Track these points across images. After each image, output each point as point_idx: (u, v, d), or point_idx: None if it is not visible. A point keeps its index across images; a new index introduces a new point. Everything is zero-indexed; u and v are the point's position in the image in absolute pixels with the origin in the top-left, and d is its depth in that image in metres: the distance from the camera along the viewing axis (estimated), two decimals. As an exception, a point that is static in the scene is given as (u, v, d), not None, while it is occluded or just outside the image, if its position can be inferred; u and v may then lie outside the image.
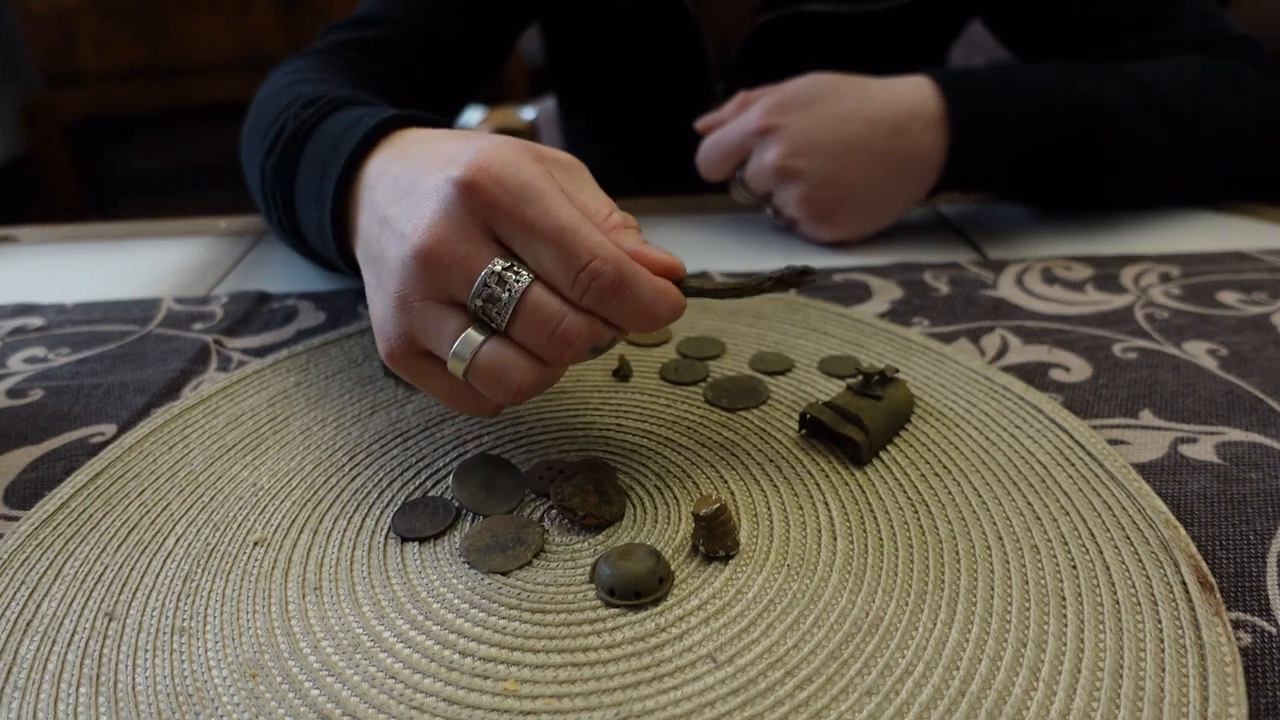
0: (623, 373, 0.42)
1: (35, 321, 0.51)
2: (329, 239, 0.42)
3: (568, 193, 0.32)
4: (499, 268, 0.31)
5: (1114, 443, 0.37)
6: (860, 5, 0.67)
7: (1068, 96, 0.56)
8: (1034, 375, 0.42)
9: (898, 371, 0.39)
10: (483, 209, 0.31)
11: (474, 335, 0.31)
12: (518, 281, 0.31)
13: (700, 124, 0.60)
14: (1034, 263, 0.54)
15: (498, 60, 0.73)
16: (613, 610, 0.29)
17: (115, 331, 0.49)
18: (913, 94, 0.56)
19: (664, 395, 0.41)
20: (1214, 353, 0.43)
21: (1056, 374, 0.42)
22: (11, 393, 0.43)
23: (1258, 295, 0.49)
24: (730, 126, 0.58)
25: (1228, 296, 0.49)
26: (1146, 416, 0.38)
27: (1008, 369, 0.42)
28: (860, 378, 0.37)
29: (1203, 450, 0.36)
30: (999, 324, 0.47)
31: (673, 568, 0.30)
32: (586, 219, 0.31)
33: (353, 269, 0.41)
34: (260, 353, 0.46)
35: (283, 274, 0.57)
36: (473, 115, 2.54)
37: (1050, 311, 0.48)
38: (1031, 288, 0.51)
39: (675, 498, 0.34)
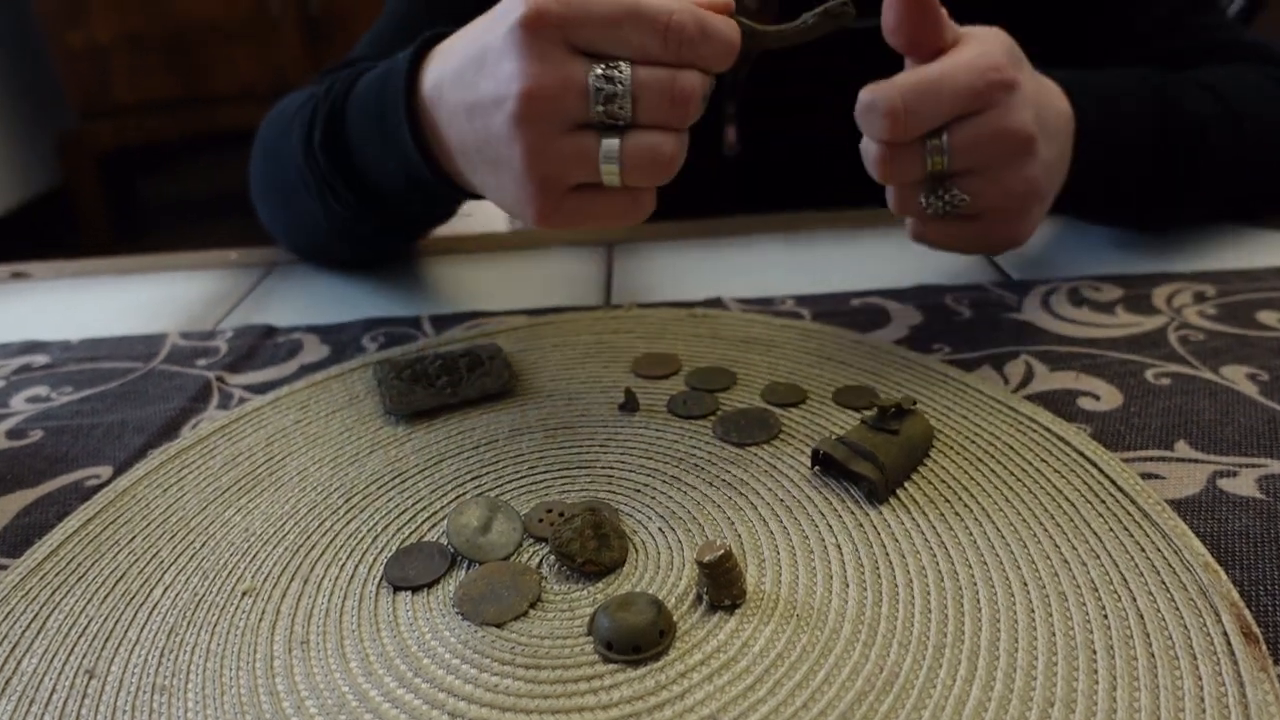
0: (630, 406, 0.41)
1: (40, 359, 0.50)
2: (419, 168, 0.43)
3: None
4: (600, 70, 0.34)
5: (1147, 477, 0.34)
6: (871, 20, 0.65)
7: (1174, 108, 0.52)
8: (1061, 404, 0.40)
9: (915, 403, 0.37)
10: (557, 30, 0.34)
11: (610, 142, 0.35)
12: (621, 73, 0.34)
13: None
14: (1060, 283, 0.51)
15: None
16: (610, 666, 0.27)
17: (119, 369, 0.49)
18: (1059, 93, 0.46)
19: (672, 430, 0.39)
20: (1254, 377, 0.41)
21: (1085, 402, 0.40)
22: (11, 433, 0.43)
23: (1299, 314, 0.47)
24: (949, 70, 0.39)
25: (1268, 316, 0.46)
26: (1182, 448, 0.36)
27: (1033, 398, 0.40)
28: (875, 411, 0.35)
29: (1244, 485, 0.34)
30: (1023, 349, 0.45)
31: (675, 618, 0.28)
32: None
33: (456, 190, 0.45)
34: (262, 389, 0.45)
35: (290, 306, 0.56)
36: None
37: (1078, 335, 0.46)
38: (1058, 310, 0.48)
39: (680, 541, 0.32)
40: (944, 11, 0.41)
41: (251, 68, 2.77)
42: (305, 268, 0.63)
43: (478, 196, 0.45)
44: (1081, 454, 0.35)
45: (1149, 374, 0.42)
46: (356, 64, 0.66)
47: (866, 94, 0.39)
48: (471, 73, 0.37)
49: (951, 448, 0.37)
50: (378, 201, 0.50)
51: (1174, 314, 0.47)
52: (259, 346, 0.50)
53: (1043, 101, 0.43)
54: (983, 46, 0.41)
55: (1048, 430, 0.37)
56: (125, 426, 0.43)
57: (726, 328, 0.48)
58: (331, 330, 0.51)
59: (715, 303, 0.52)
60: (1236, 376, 0.41)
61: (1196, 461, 0.35)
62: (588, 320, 0.50)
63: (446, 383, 0.43)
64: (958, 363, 0.44)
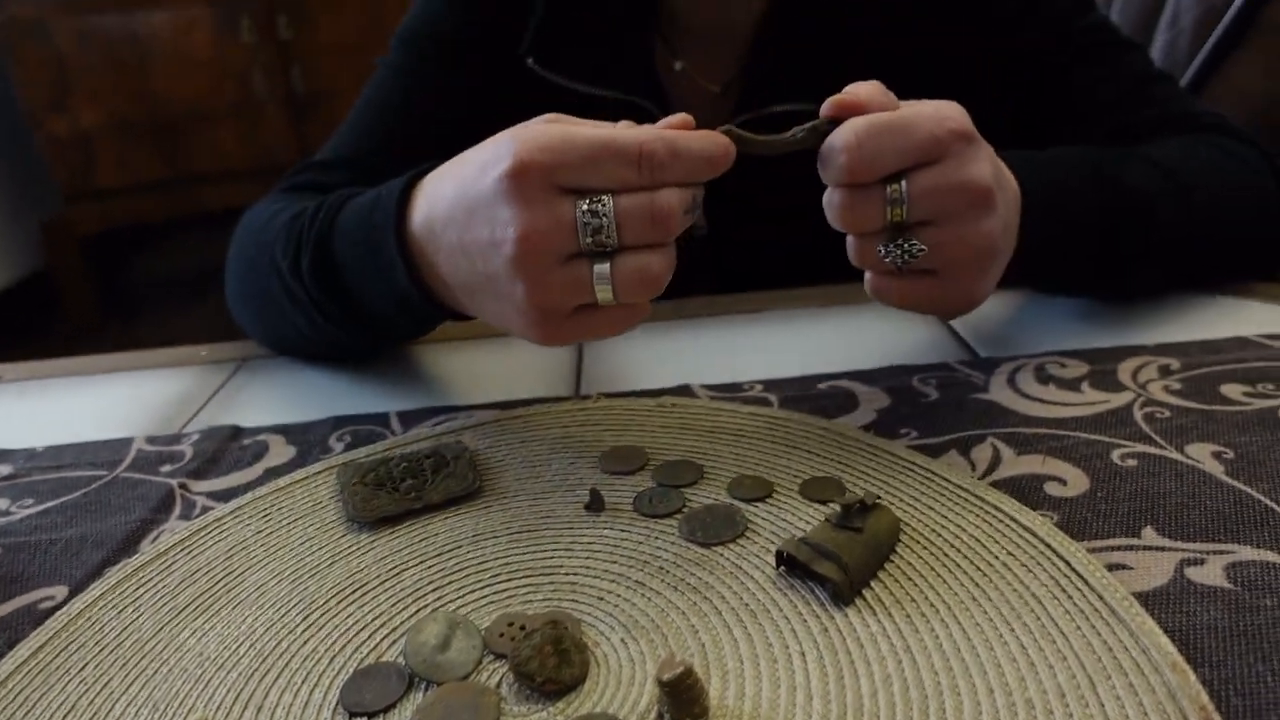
0: (596, 505, 0.40)
1: (4, 469, 0.50)
2: (412, 299, 0.47)
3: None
4: (585, 206, 0.38)
5: (1115, 568, 0.34)
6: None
7: (1115, 185, 0.53)
8: (1028, 491, 0.39)
9: (879, 498, 0.37)
10: (542, 177, 0.38)
11: (601, 267, 0.38)
12: (604, 206, 0.37)
13: (834, 101, 0.41)
14: (1027, 360, 0.52)
15: None
16: (568, 797, 0.26)
17: (82, 477, 0.48)
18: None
19: (638, 529, 0.39)
20: (1220, 455, 0.41)
21: (1052, 488, 0.40)
22: (-32, 553, 0.42)
23: (1264, 386, 0.47)
24: (908, 116, 0.40)
25: (1232, 390, 0.47)
26: (1149, 535, 0.36)
27: (1000, 484, 0.40)
28: (840, 509, 0.35)
29: (1211, 573, 0.33)
30: (990, 432, 0.44)
31: (635, 741, 0.28)
32: (605, 125, 0.40)
33: (450, 315, 0.49)
34: (225, 496, 0.45)
35: (259, 403, 0.56)
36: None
37: (1045, 415, 0.46)
38: (1024, 388, 0.49)
39: (643, 652, 0.32)
40: (887, 98, 0.41)
41: (236, 148, 2.81)
42: (276, 362, 0.62)
43: (469, 317, 0.48)
44: (1048, 546, 0.35)
45: (1115, 455, 0.42)
46: (328, 165, 0.68)
47: (828, 140, 0.40)
48: (464, 216, 0.41)
49: (918, 541, 0.36)
50: (368, 321, 0.52)
51: (1140, 390, 0.47)
52: (224, 450, 0.49)
53: (998, 164, 0.44)
54: (937, 103, 0.42)
55: (1014, 521, 0.37)
56: (85, 542, 0.42)
57: (694, 417, 0.48)
58: (298, 430, 0.51)
59: (684, 390, 0.52)
60: (1202, 455, 0.41)
61: (1163, 549, 0.35)
62: (555, 413, 0.49)
63: (411, 486, 0.42)
64: (925, 448, 0.44)
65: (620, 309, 0.40)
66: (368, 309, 0.51)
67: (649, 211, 0.38)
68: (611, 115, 0.69)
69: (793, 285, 0.68)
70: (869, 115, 0.40)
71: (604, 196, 0.38)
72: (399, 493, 0.42)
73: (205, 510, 0.44)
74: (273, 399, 0.57)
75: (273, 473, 0.47)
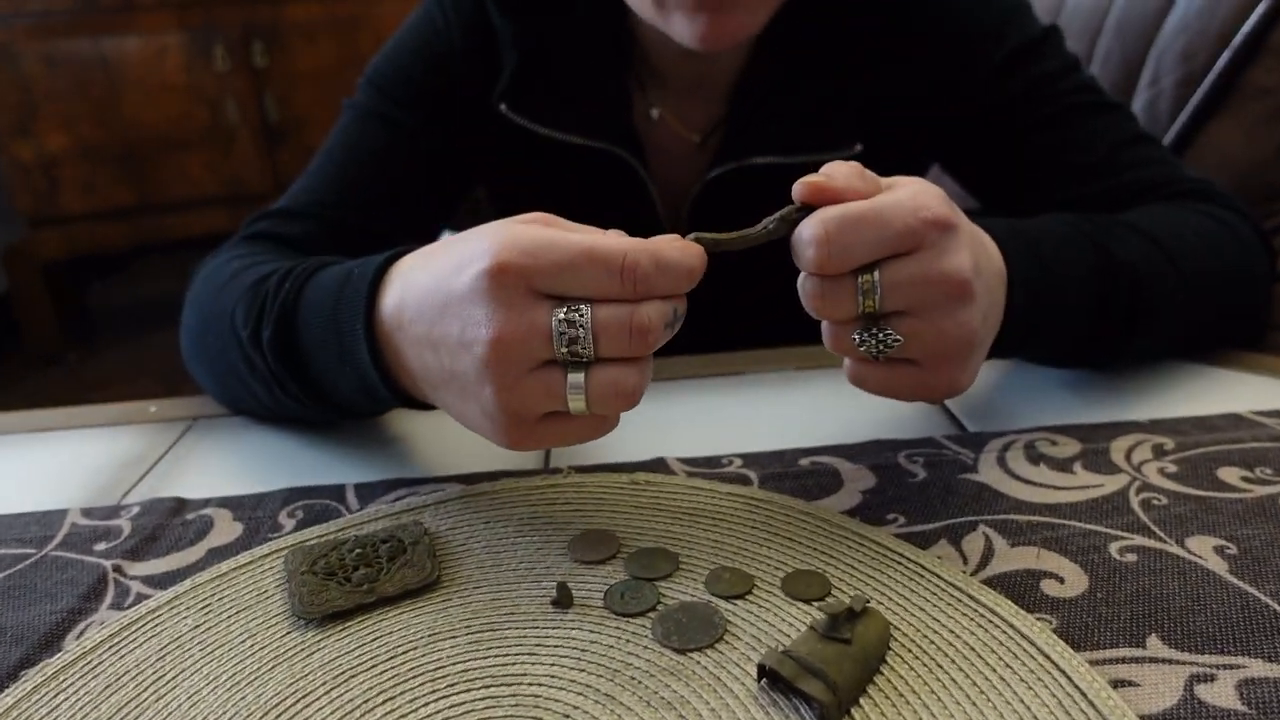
0: (563, 602, 0.38)
1: (-77, 545, 0.46)
2: (376, 386, 0.45)
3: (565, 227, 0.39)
4: (562, 315, 0.36)
5: (1120, 684, 0.32)
6: (810, 155, 0.65)
7: (1104, 257, 0.51)
8: (1023, 589, 0.37)
9: (868, 603, 0.34)
10: (521, 279, 0.36)
11: (576, 377, 0.37)
12: (581, 315, 0.36)
13: (806, 184, 0.39)
14: (1016, 436, 0.50)
15: (438, 229, 0.72)
16: None
17: (8, 556, 0.44)
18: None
19: (608, 630, 0.36)
20: (1222, 550, 0.39)
21: (1049, 586, 0.37)
22: (-128, 647, 0.38)
23: (1262, 471, 0.45)
24: (884, 203, 0.38)
25: (1229, 474, 0.45)
26: (1154, 645, 0.34)
27: (993, 580, 0.38)
28: (826, 618, 0.33)
29: (1223, 692, 0.31)
30: (981, 518, 0.42)
31: None
32: (593, 231, 0.39)
33: (412, 404, 0.47)
34: (164, 581, 0.42)
35: (208, 470, 0.53)
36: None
37: (1038, 500, 0.44)
38: (1015, 469, 0.46)
39: (612, 784, 0.29)
40: (864, 182, 0.39)
41: (206, 175, 2.77)
42: (229, 423, 0.59)
43: (432, 407, 0.46)
44: (1047, 658, 0.33)
45: (1114, 549, 0.39)
46: (289, 214, 0.65)
47: (798, 231, 0.38)
48: (435, 311, 0.39)
49: (909, 649, 0.34)
50: (329, 399, 0.50)
51: (1135, 472, 0.45)
52: (166, 526, 0.46)
53: (979, 248, 0.42)
54: (914, 188, 0.40)
55: (1010, 626, 0.34)
56: (3, 635, 0.38)
57: (669, 497, 0.45)
58: (247, 504, 0.48)
59: (659, 464, 0.49)
60: (1205, 550, 0.39)
61: (1171, 662, 0.33)
62: (523, 490, 0.47)
63: (364, 577, 0.39)
64: (913, 536, 0.41)
65: (591, 418, 0.39)
66: (329, 388, 0.49)
67: (628, 326, 0.36)
68: (587, 163, 0.68)
69: (772, 343, 0.66)
70: (841, 206, 0.38)
71: (582, 305, 0.36)
72: (350, 584, 0.39)
73: (140, 599, 0.40)
74: (223, 464, 0.54)
75: (216, 554, 0.43)
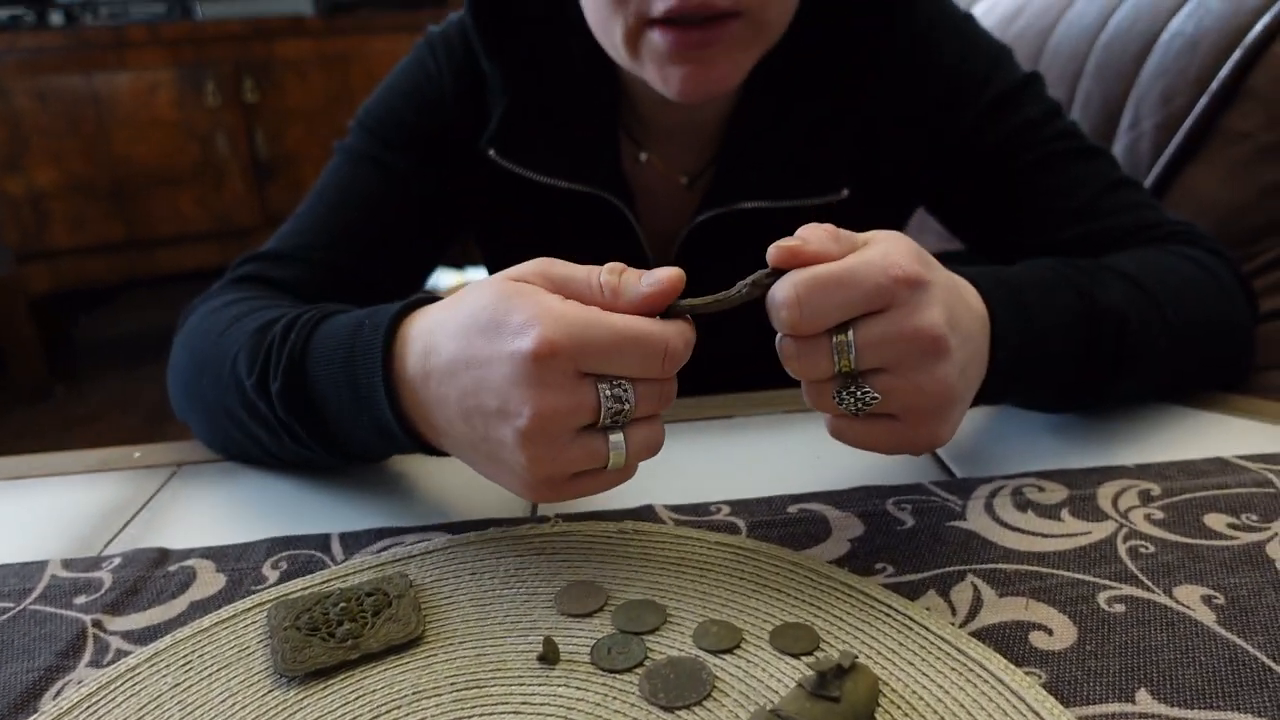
0: (549, 658, 0.37)
1: (-101, 598, 0.45)
2: (395, 435, 0.46)
3: (584, 286, 0.40)
4: (609, 391, 0.38)
5: (1111, 742, 0.32)
6: (797, 200, 0.66)
7: (1089, 303, 0.51)
8: (1012, 642, 0.37)
9: (856, 658, 0.34)
10: (568, 362, 0.37)
11: (618, 439, 0.40)
12: (626, 391, 0.39)
13: (779, 248, 0.39)
14: (1003, 482, 0.50)
15: (427, 273, 0.72)
16: None
17: (-14, 610, 0.44)
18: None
19: (594, 687, 0.36)
20: (1210, 600, 0.39)
21: (1037, 639, 0.37)
22: None
23: (1248, 517, 0.45)
24: (854, 264, 0.38)
25: (1216, 521, 0.45)
26: (1144, 699, 0.34)
27: (982, 633, 0.38)
28: (815, 675, 0.32)
29: (1214, 749, 0.31)
30: (970, 568, 0.42)
31: None
32: (633, 314, 0.39)
33: (431, 451, 0.48)
34: (144, 637, 0.41)
35: (191, 518, 0.52)
36: (443, 278, 2.56)
37: (1026, 548, 0.43)
38: (1003, 515, 0.46)
39: None
40: (837, 244, 0.40)
41: (195, 211, 2.77)
42: (214, 469, 0.59)
43: (447, 453, 0.47)
44: (1038, 715, 0.32)
45: (1102, 599, 0.39)
46: (278, 257, 0.65)
47: (770, 294, 0.39)
48: (471, 381, 0.40)
49: (898, 706, 0.34)
50: (342, 445, 0.50)
51: (1122, 519, 0.46)
52: (148, 578, 0.45)
53: (955, 301, 0.42)
54: (885, 245, 0.40)
55: (1000, 681, 0.34)
56: (-22, 694, 0.38)
57: (657, 547, 0.45)
58: (231, 554, 0.47)
59: (646, 512, 0.49)
60: (1192, 600, 0.39)
61: (1160, 718, 0.33)
62: (510, 539, 0.46)
63: (348, 632, 0.39)
64: (902, 586, 0.41)
65: (619, 471, 0.41)
66: (342, 436, 0.49)
67: (664, 395, 0.40)
68: (575, 207, 0.68)
69: (761, 386, 0.66)
70: (811, 269, 0.38)
71: (624, 381, 0.39)
72: (334, 639, 0.38)
73: (119, 655, 0.40)
74: (208, 512, 0.53)
75: (198, 607, 0.43)
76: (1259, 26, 0.72)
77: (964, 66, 0.67)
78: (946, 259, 0.45)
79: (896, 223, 0.76)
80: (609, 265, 0.40)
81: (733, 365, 0.70)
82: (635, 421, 0.40)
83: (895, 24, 0.65)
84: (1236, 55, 0.73)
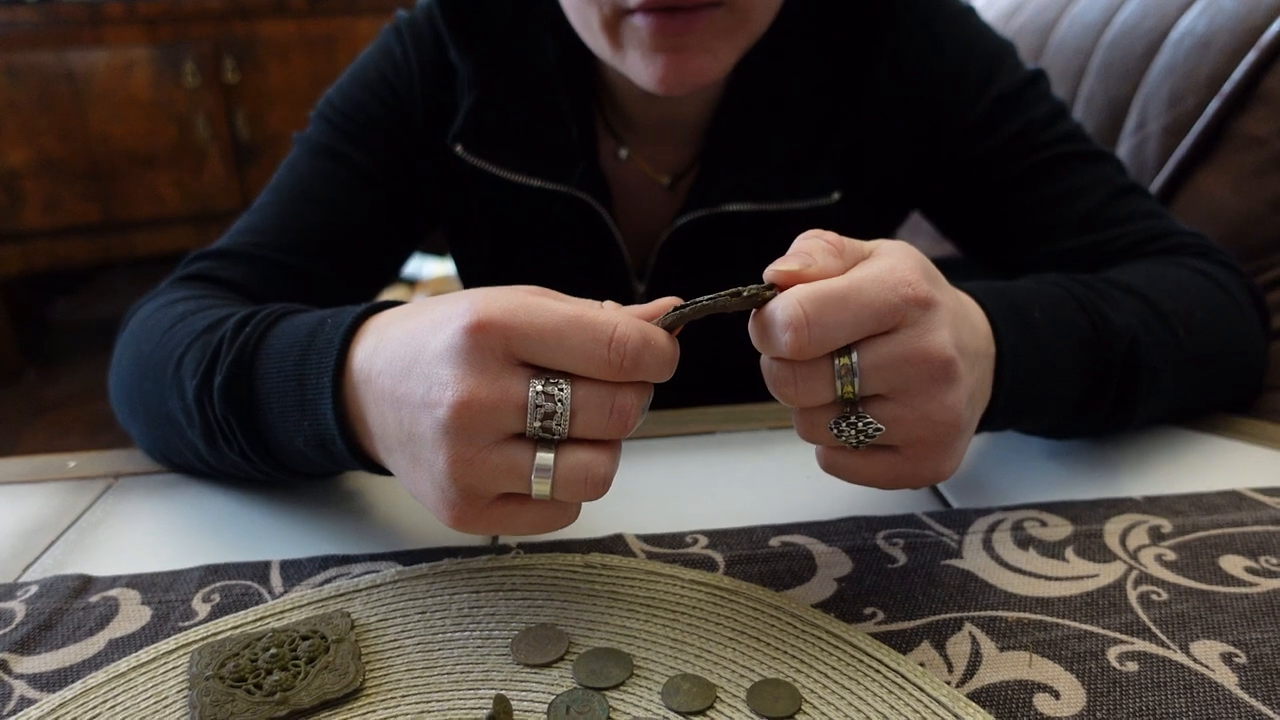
0: (500, 719, 0.33)
1: None
2: (334, 442, 0.41)
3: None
4: (540, 386, 0.33)
5: (1128, 833, 0.28)
6: (785, 203, 0.62)
7: (1099, 322, 0.47)
8: (1015, 705, 0.33)
9: (843, 730, 0.30)
10: (501, 340, 0.33)
11: (545, 456, 0.34)
12: (562, 390, 0.33)
13: (780, 271, 0.35)
14: (1003, 515, 0.46)
15: (391, 274, 0.67)
16: None
17: (-118, 646, 0.40)
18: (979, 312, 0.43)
19: (549, 753, 0.32)
20: (1230, 659, 0.35)
21: (1043, 702, 0.33)
22: None
23: (1267, 560, 0.42)
24: (860, 283, 0.34)
25: (1232, 564, 0.41)
26: (1163, 780, 0.30)
27: (981, 694, 0.34)
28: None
29: (1244, 844, 0.27)
30: (968, 615, 0.38)
31: None
32: (589, 303, 0.35)
33: (362, 463, 0.42)
34: (53, 681, 0.37)
35: (121, 540, 0.48)
36: (433, 266, 2.50)
37: (1028, 593, 0.40)
38: (1003, 554, 0.43)
39: None
40: (840, 258, 0.36)
41: (173, 193, 2.71)
42: (154, 481, 0.54)
43: (389, 472, 0.41)
44: (1046, 799, 0.29)
45: (1113, 655, 0.36)
46: (231, 256, 0.60)
47: (770, 312, 0.34)
48: (404, 365, 0.36)
49: (889, 784, 0.30)
50: (277, 454, 0.46)
51: (1131, 559, 0.42)
52: (64, 611, 0.41)
53: (961, 322, 0.39)
54: (893, 260, 0.36)
55: (1003, 757, 0.31)
56: None
57: (626, 585, 0.41)
58: (160, 584, 0.43)
59: (617, 542, 0.45)
60: (1210, 657, 0.35)
61: (1183, 804, 0.29)
62: (466, 572, 0.42)
63: (277, 684, 0.35)
64: (893, 636, 0.37)
65: (552, 506, 0.36)
66: (280, 442, 0.44)
67: (608, 406, 0.34)
68: (549, 207, 0.64)
69: (742, 397, 0.63)
70: (816, 285, 0.34)
71: (562, 380, 0.34)
72: (261, 691, 0.34)
73: (23, 704, 0.36)
74: (141, 531, 0.49)
75: (117, 647, 0.39)
76: (1276, 26, 0.68)
77: (965, 64, 0.63)
78: (942, 267, 0.41)
79: (890, 227, 0.72)
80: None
81: (716, 375, 0.66)
82: (573, 443, 0.34)
83: (892, 18, 0.61)
84: (1251, 56, 0.69)
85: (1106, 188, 0.62)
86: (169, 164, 2.67)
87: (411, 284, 2.42)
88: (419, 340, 0.36)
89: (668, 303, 0.36)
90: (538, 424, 0.33)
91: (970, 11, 0.66)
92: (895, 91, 0.63)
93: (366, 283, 0.66)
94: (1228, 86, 0.70)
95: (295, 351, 0.43)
